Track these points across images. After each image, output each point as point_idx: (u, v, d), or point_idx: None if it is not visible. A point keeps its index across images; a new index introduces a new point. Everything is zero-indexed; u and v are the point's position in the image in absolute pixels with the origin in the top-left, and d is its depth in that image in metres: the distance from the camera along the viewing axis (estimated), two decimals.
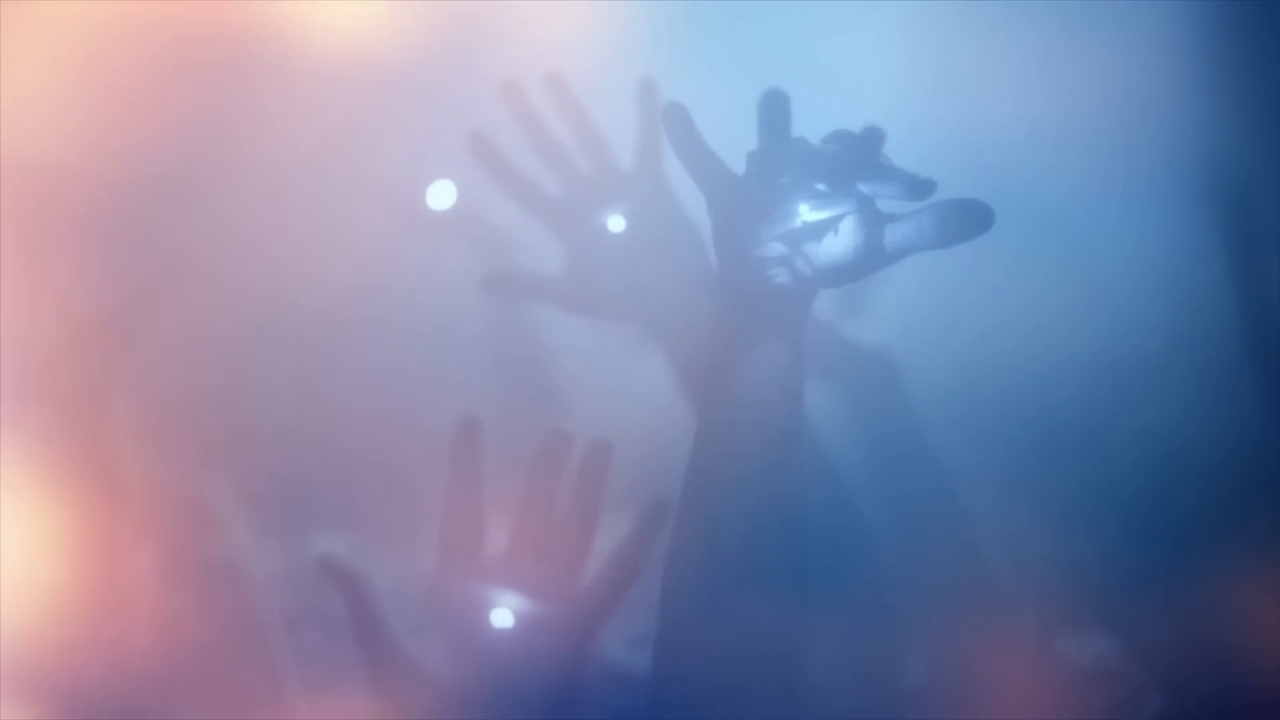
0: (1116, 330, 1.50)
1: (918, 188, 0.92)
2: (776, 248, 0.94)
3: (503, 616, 0.86)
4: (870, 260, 0.95)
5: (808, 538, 0.98)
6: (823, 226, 0.95)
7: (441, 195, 1.50)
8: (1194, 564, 1.39)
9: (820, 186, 0.94)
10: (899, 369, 1.40)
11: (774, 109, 0.95)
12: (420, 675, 0.84)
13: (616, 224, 1.22)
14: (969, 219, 0.93)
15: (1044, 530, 1.57)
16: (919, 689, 1.35)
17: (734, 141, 1.01)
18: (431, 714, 0.84)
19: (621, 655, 1.13)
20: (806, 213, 0.95)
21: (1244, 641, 1.31)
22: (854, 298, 1.37)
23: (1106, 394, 1.50)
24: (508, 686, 0.85)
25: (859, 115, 1.17)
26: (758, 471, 0.96)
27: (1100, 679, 1.38)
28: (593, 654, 0.87)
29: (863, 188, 0.94)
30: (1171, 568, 1.40)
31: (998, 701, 1.34)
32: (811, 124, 1.00)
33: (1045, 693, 1.38)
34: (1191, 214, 1.48)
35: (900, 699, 1.33)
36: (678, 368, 1.34)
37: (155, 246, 1.61)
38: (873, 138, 0.93)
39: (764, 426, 0.96)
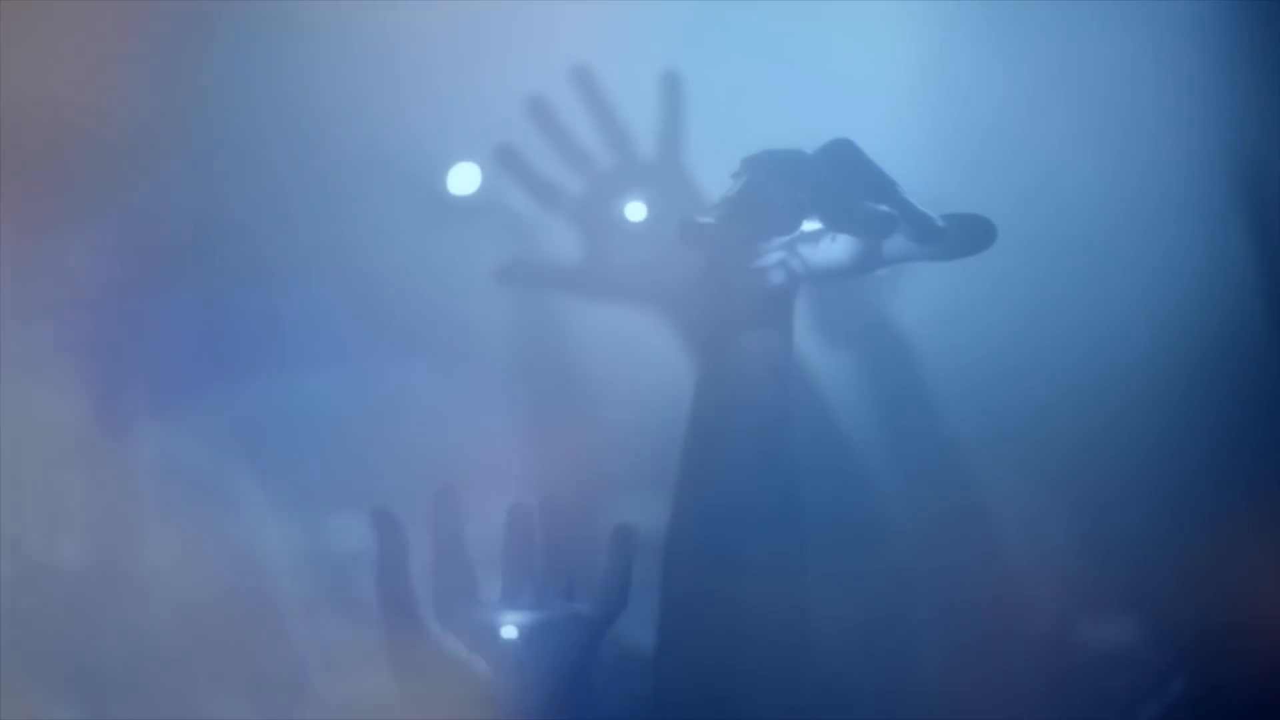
0: (1137, 315, 1.49)
1: (927, 232, 0.89)
2: (772, 254, 0.93)
3: (509, 631, 0.88)
4: (864, 267, 0.94)
5: (805, 523, 0.98)
6: (820, 234, 0.93)
7: (464, 180, 1.50)
8: (1216, 546, 1.38)
9: (822, 209, 0.91)
10: (916, 351, 1.40)
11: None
12: (438, 652, 0.84)
13: (636, 212, 1.20)
14: (971, 235, 0.91)
15: (1064, 513, 1.57)
16: (935, 673, 1.35)
17: (743, 136, 1.00)
18: (448, 694, 0.85)
19: (639, 639, 1.13)
20: (805, 224, 0.93)
21: (1266, 625, 1.30)
22: (870, 282, 1.37)
23: (1127, 378, 1.49)
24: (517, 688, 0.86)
25: (867, 113, 1.16)
26: (750, 456, 0.96)
27: (1121, 662, 1.37)
28: (594, 663, 0.88)
29: (870, 216, 0.90)
30: (1193, 550, 1.40)
31: (1016, 686, 1.33)
32: (821, 124, 0.98)
33: (1065, 677, 1.37)
34: (1208, 202, 1.47)
35: (917, 683, 1.32)
36: (694, 352, 1.33)
37: (169, 226, 1.61)
38: (887, 182, 0.90)
39: (755, 410, 0.95)
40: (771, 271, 0.93)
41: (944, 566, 1.37)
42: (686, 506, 0.98)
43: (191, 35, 1.79)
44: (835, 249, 0.92)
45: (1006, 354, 1.52)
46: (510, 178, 1.18)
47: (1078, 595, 1.45)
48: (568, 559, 0.91)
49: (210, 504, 1.70)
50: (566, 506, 0.93)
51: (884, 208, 0.86)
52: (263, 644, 1.58)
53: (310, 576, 1.68)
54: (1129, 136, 1.54)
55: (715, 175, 1.01)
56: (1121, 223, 1.53)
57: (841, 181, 0.89)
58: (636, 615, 1.04)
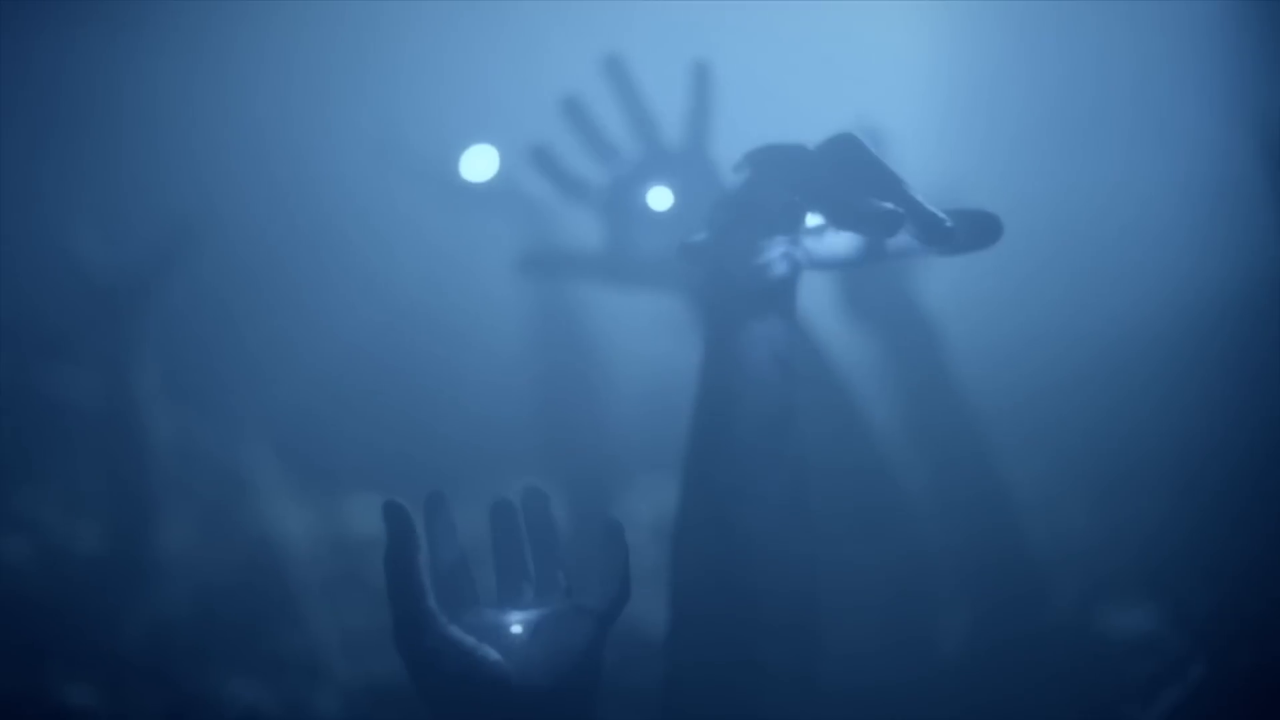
0: (1161, 299, 1.49)
1: (934, 232, 0.86)
2: (774, 249, 0.91)
3: (515, 630, 0.87)
4: (868, 260, 0.92)
5: (812, 507, 0.97)
6: (824, 227, 0.91)
7: (479, 165, 1.49)
8: (1236, 530, 1.38)
9: (823, 207, 0.89)
10: (942, 337, 1.39)
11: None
12: (447, 642, 0.84)
13: (660, 201, 1.19)
14: (977, 232, 0.88)
15: (1085, 497, 1.57)
16: (954, 657, 1.35)
17: (764, 125, 0.99)
18: (458, 685, 0.84)
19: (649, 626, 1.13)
20: (809, 220, 0.91)
21: None
22: (889, 268, 1.36)
23: (1150, 362, 1.49)
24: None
25: (887, 103, 1.15)
26: (755, 443, 0.95)
27: (1141, 647, 1.37)
28: (602, 656, 0.87)
29: (876, 215, 0.88)
30: (1214, 535, 1.39)
31: (1037, 670, 1.33)
32: (839, 117, 0.97)
33: (1085, 661, 1.37)
34: (1235, 189, 1.47)
35: (935, 667, 1.32)
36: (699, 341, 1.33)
37: (185, 211, 1.61)
38: (893, 179, 0.88)
39: (759, 397, 0.94)
40: (774, 264, 0.91)
41: (964, 553, 1.37)
42: (694, 493, 0.98)
43: (205, 22, 1.80)
44: (839, 242, 0.91)
45: (1033, 339, 1.51)
46: (532, 165, 1.17)
47: (1097, 580, 1.45)
48: (561, 553, 0.90)
49: (228, 488, 1.71)
50: (551, 497, 0.92)
51: (890, 206, 0.84)
52: (280, 626, 1.58)
53: (328, 560, 1.69)
54: (1148, 127, 1.54)
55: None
56: (1145, 210, 1.52)
57: (844, 178, 0.86)
58: (646, 602, 1.04)
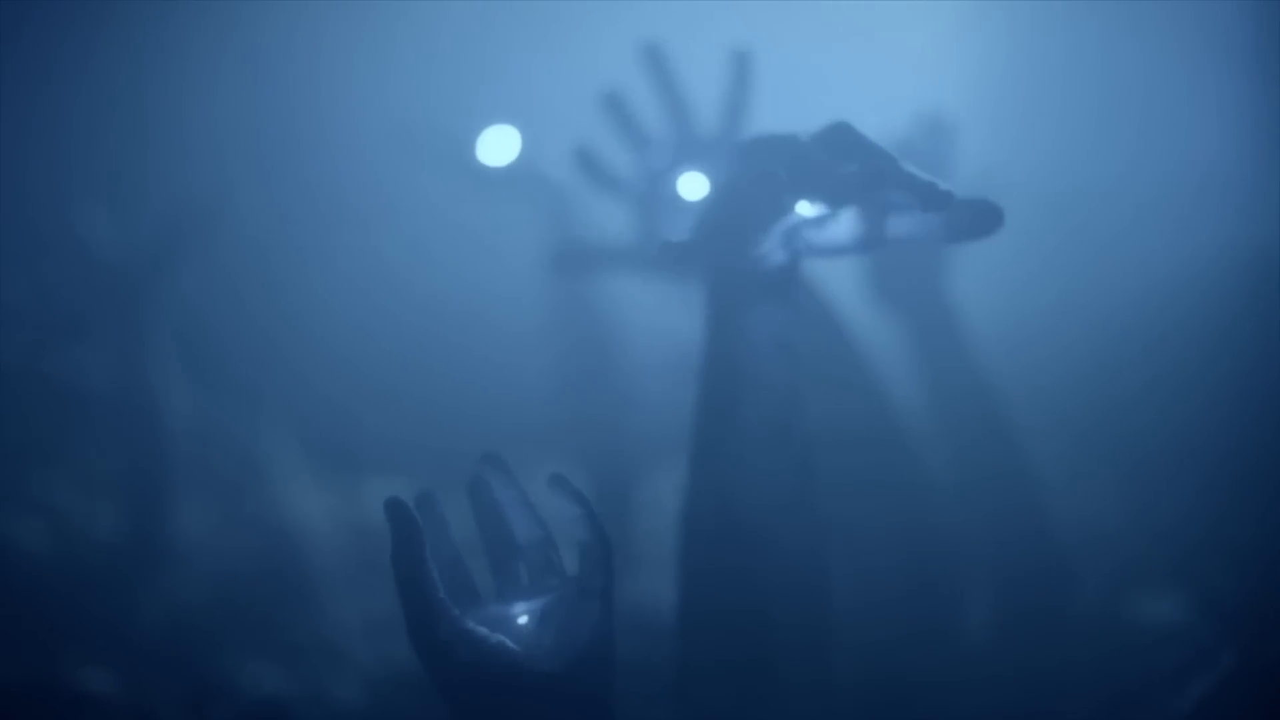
0: (1187, 281, 1.48)
1: (934, 199, 0.86)
2: (771, 235, 0.91)
3: (523, 621, 0.86)
4: (868, 244, 0.92)
5: (820, 493, 0.97)
6: (824, 215, 0.91)
7: (499, 148, 1.48)
8: (1267, 519, 1.36)
9: (805, 181, 0.89)
10: (964, 319, 1.38)
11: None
12: (459, 634, 0.83)
13: (693, 189, 1.17)
14: (978, 220, 0.88)
15: (1111, 482, 1.55)
16: (979, 643, 1.34)
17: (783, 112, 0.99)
18: (474, 675, 0.83)
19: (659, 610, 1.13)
20: (806, 208, 0.91)
21: None
22: (917, 252, 1.35)
23: (1178, 344, 1.48)
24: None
25: (904, 96, 1.14)
26: (760, 430, 0.94)
27: (1169, 635, 1.36)
28: (614, 630, 0.86)
29: (875, 193, 0.88)
30: (1244, 523, 1.38)
31: (1061, 657, 1.32)
32: (861, 108, 0.97)
33: (1111, 648, 1.36)
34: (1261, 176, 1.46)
35: (960, 653, 1.31)
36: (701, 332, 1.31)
37: (203, 196, 1.61)
38: (887, 160, 0.87)
39: (762, 385, 0.94)
40: (772, 253, 0.91)
41: (987, 538, 1.35)
42: (699, 482, 0.97)
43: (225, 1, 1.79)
44: (839, 229, 0.90)
45: (1059, 323, 1.50)
46: (566, 155, 1.15)
47: (1123, 566, 1.44)
48: (539, 518, 0.89)
49: (246, 472, 1.71)
50: (504, 459, 0.90)
51: (870, 168, 0.85)
52: (299, 612, 1.58)
53: (348, 544, 1.69)
54: (1172, 106, 1.53)
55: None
56: (1172, 191, 1.51)
57: (835, 158, 0.87)
58: (656, 587, 1.03)
